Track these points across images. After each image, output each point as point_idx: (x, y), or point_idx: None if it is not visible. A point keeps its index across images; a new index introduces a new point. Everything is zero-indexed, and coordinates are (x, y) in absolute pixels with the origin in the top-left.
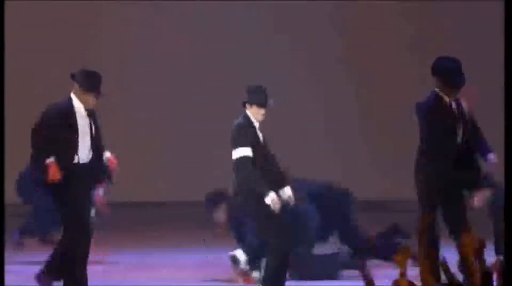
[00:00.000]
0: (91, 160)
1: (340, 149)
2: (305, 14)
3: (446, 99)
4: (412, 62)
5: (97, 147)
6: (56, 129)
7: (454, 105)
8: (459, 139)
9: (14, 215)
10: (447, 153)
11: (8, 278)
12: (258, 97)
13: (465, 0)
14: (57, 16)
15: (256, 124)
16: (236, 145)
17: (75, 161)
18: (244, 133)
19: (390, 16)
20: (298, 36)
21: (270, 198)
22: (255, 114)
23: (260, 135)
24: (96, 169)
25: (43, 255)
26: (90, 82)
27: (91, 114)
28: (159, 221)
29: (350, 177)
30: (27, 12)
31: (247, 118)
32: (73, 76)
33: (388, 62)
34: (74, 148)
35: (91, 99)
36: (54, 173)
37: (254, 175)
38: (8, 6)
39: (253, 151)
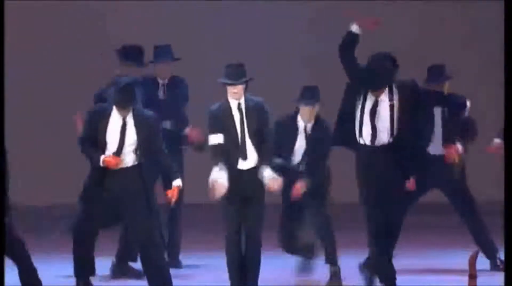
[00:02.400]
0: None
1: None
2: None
3: None
4: (412, 60)
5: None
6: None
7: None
8: None
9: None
10: None
11: (8, 278)
12: (226, 75)
13: (465, 0)
14: (57, 16)
15: (233, 105)
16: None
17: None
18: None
19: (389, 16)
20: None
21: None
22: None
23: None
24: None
25: (43, 254)
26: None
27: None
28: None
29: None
30: (26, 12)
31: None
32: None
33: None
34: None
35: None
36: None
37: None
38: (8, 6)
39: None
